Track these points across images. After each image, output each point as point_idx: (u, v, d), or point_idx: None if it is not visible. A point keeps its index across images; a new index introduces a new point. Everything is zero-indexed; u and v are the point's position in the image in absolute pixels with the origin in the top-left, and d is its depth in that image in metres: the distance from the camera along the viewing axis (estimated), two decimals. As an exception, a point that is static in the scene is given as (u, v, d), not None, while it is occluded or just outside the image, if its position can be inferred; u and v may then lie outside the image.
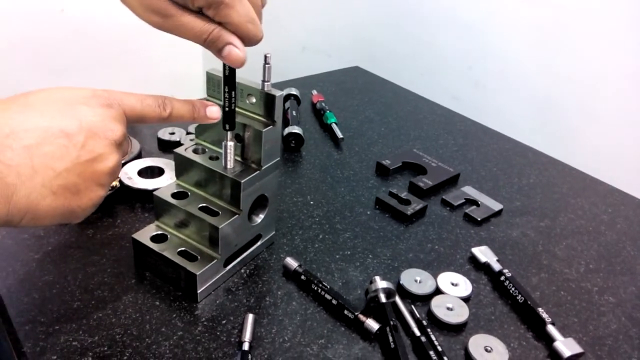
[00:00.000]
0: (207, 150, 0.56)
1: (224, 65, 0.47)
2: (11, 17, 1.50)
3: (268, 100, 0.52)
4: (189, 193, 0.55)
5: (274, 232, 0.62)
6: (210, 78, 0.55)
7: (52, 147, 0.36)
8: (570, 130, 1.07)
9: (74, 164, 0.37)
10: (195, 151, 0.56)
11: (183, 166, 0.56)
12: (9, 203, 0.34)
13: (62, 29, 1.60)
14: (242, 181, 0.51)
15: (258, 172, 0.53)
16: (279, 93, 0.52)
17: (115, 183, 0.50)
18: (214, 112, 0.48)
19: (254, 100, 0.53)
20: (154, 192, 0.55)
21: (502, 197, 0.74)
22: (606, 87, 1.00)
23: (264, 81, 0.51)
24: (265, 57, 0.51)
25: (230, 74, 0.48)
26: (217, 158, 0.55)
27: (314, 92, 0.99)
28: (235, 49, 0.43)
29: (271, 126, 0.52)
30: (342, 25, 1.48)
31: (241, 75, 0.51)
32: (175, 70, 1.79)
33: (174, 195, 0.55)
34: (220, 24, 0.43)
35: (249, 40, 0.43)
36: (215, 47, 0.43)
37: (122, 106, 0.42)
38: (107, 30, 1.53)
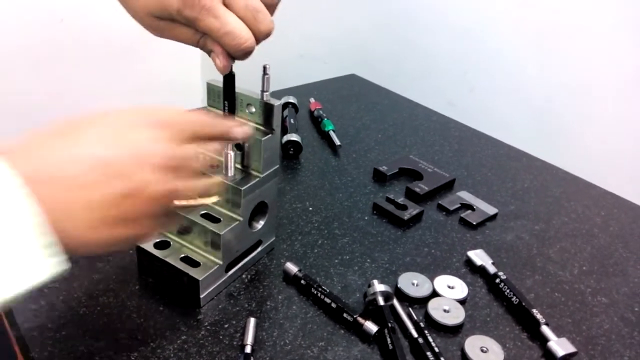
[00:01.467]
0: (208, 158, 0.57)
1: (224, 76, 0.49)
2: (11, 27, 1.51)
3: (267, 110, 0.54)
4: (191, 201, 0.57)
5: (274, 238, 0.63)
6: (210, 89, 0.57)
7: (88, 178, 0.34)
8: (565, 134, 1.08)
9: (109, 196, 0.34)
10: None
11: (185, 174, 0.57)
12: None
13: (61, 38, 1.62)
14: (243, 188, 0.53)
15: (258, 179, 0.55)
16: (277, 102, 0.53)
17: (211, 200, 0.46)
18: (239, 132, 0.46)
19: (253, 109, 0.54)
20: (157, 200, 0.56)
21: (496, 202, 0.76)
22: (601, 92, 1.02)
23: (263, 91, 0.53)
24: (265, 67, 0.53)
25: (229, 84, 0.50)
26: (218, 166, 0.56)
27: (312, 100, 1.01)
28: (216, 57, 0.46)
29: (270, 134, 0.54)
30: (338, 32, 1.50)
31: (241, 86, 0.53)
32: (174, 79, 1.80)
33: (176, 203, 0.56)
34: None
35: (231, 50, 0.45)
36: (206, 52, 0.47)
37: (180, 125, 0.39)
38: (105, 39, 1.54)
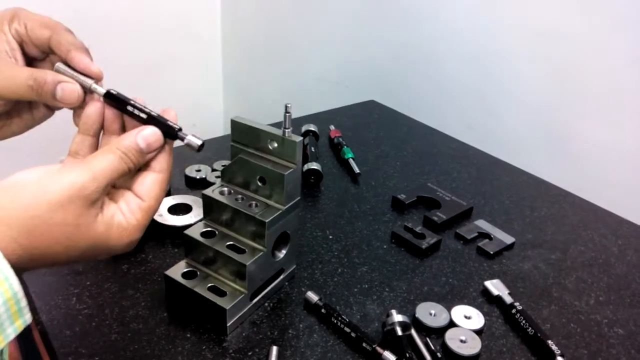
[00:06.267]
0: (232, 191, 0.60)
1: (106, 96, 0.48)
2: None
3: (289, 145, 0.56)
4: (217, 232, 0.59)
5: (295, 266, 0.66)
6: (235, 126, 0.59)
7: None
8: (583, 161, 1.09)
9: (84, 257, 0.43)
10: (221, 193, 0.60)
11: (211, 206, 0.60)
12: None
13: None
14: (267, 220, 0.56)
15: (281, 211, 0.57)
16: (298, 139, 0.56)
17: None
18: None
19: (275, 144, 0.57)
20: (185, 232, 0.59)
21: (514, 231, 0.77)
22: (620, 118, 1.02)
23: (285, 128, 0.56)
24: (286, 107, 0.56)
25: (115, 99, 0.48)
26: (242, 199, 0.59)
27: (332, 127, 1.03)
28: (67, 84, 0.47)
29: (292, 169, 0.57)
30: (358, 56, 1.53)
31: (266, 122, 0.56)
32: (196, 102, 1.85)
33: (202, 234, 0.59)
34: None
35: (87, 61, 0.48)
36: (45, 93, 0.47)
37: (100, 188, 0.42)
38: (130, 65, 1.59)
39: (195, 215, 0.72)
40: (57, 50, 0.49)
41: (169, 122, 0.47)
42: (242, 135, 0.59)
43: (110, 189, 0.45)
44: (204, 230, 0.60)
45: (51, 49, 0.49)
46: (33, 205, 0.38)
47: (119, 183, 0.46)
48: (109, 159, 0.43)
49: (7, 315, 0.37)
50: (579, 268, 0.71)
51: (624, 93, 1.01)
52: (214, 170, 0.84)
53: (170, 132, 0.47)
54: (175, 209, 0.73)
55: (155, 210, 0.46)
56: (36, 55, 0.51)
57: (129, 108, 0.48)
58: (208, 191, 0.60)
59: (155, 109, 0.48)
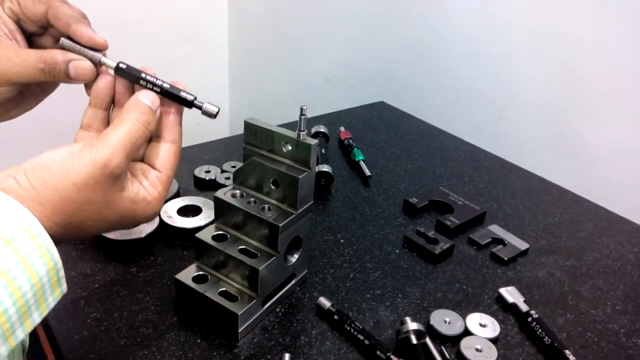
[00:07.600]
0: (244, 194, 0.59)
1: (117, 70, 0.48)
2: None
3: (303, 148, 0.55)
4: (228, 235, 0.58)
5: (306, 271, 0.65)
6: (247, 126, 0.58)
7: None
8: (595, 165, 1.08)
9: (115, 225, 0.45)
10: (233, 195, 0.59)
11: (222, 209, 0.59)
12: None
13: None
14: (280, 225, 0.54)
15: (294, 215, 0.56)
16: (313, 142, 0.55)
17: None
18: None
19: (289, 147, 0.56)
20: (196, 235, 0.58)
21: (528, 236, 0.76)
22: (634, 121, 1.01)
23: (299, 131, 0.55)
24: (301, 109, 0.54)
25: (127, 73, 0.48)
26: (254, 202, 0.58)
27: (342, 128, 1.02)
28: (79, 61, 0.47)
29: (306, 173, 0.55)
30: (365, 57, 1.52)
31: (272, 123, 0.55)
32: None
33: (214, 238, 0.58)
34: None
35: (91, 32, 0.47)
36: (58, 74, 0.47)
37: (125, 159, 0.43)
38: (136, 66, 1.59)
39: (205, 217, 0.71)
40: (56, 24, 0.48)
41: (183, 93, 0.48)
42: (255, 137, 0.58)
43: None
44: (215, 233, 0.58)
45: (49, 23, 0.48)
46: (60, 187, 0.39)
47: (136, 155, 0.47)
48: (124, 129, 0.43)
49: (49, 284, 0.38)
50: (595, 275, 0.70)
51: (636, 95, 1.00)
52: (223, 171, 0.83)
53: (185, 102, 0.48)
54: (184, 211, 0.72)
55: (172, 180, 0.48)
56: (35, 30, 0.50)
57: (142, 82, 0.48)
58: (220, 194, 0.59)
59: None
